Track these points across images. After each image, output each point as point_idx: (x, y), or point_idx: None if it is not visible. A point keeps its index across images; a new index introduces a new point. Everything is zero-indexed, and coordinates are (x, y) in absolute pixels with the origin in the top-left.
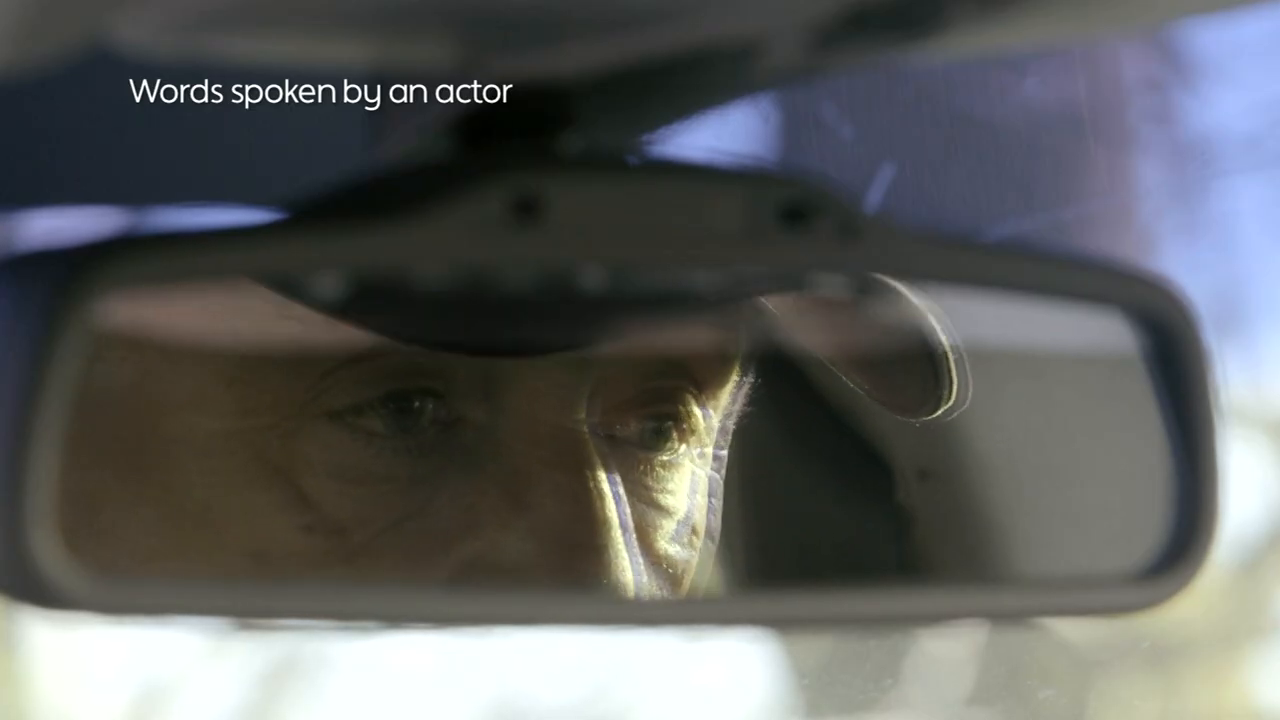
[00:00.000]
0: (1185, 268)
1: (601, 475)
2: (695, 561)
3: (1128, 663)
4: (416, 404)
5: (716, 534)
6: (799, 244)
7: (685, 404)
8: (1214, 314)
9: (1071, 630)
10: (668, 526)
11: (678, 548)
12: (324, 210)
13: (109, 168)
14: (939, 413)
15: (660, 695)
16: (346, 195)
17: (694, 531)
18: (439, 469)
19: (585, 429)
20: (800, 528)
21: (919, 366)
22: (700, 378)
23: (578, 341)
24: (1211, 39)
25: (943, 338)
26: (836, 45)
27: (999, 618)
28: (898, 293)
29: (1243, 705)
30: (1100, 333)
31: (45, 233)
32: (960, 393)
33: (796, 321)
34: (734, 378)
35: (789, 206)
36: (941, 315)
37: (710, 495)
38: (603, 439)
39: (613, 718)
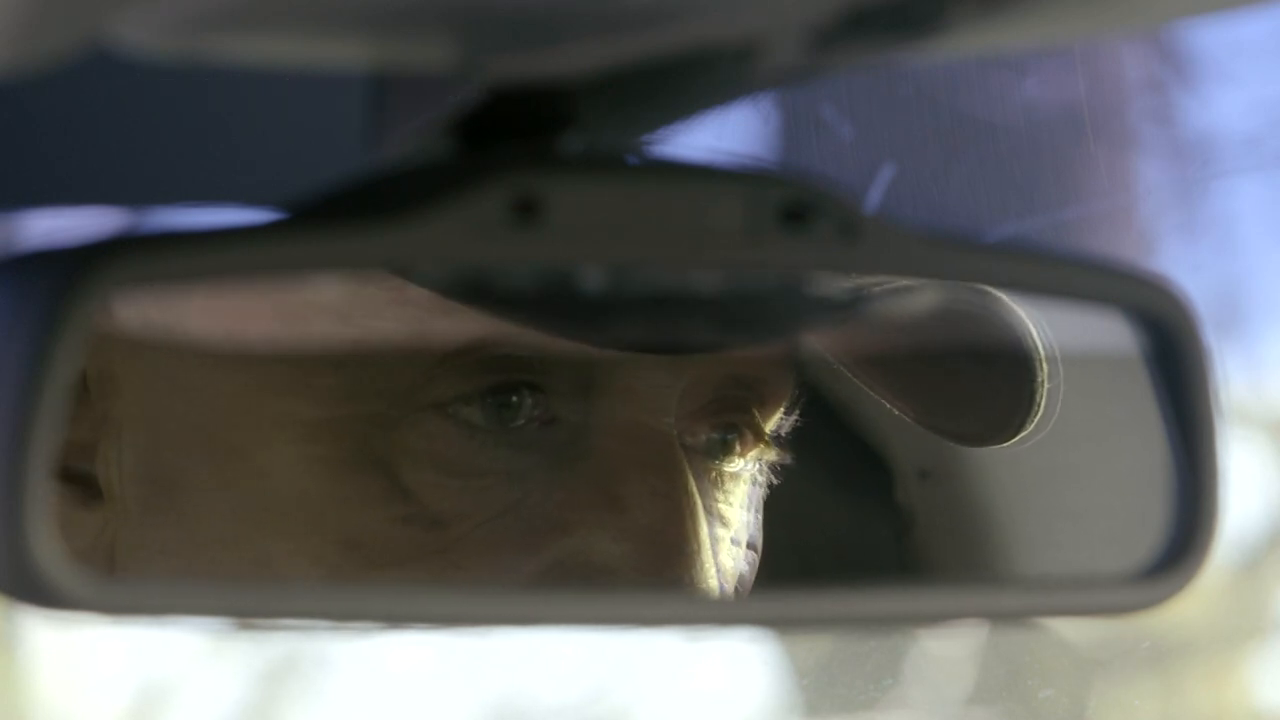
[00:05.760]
0: (1185, 268)
1: (691, 478)
2: (740, 575)
3: (1128, 663)
4: (515, 398)
5: (759, 548)
6: (799, 244)
7: (752, 416)
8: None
9: (1071, 630)
10: (725, 538)
11: (730, 561)
12: (324, 210)
13: (109, 168)
14: (1014, 441)
15: (660, 695)
16: (346, 195)
17: (741, 545)
18: (534, 466)
19: (675, 432)
20: (800, 528)
21: (1000, 389)
22: (764, 394)
23: (692, 345)
24: (1211, 39)
25: (1039, 354)
26: (836, 45)
27: (999, 618)
28: (991, 303)
29: (1243, 705)
30: (1100, 333)
31: (45, 233)
32: (1045, 418)
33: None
34: (788, 397)
35: (789, 207)
36: (1040, 325)
37: (755, 510)
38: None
39: (613, 718)
